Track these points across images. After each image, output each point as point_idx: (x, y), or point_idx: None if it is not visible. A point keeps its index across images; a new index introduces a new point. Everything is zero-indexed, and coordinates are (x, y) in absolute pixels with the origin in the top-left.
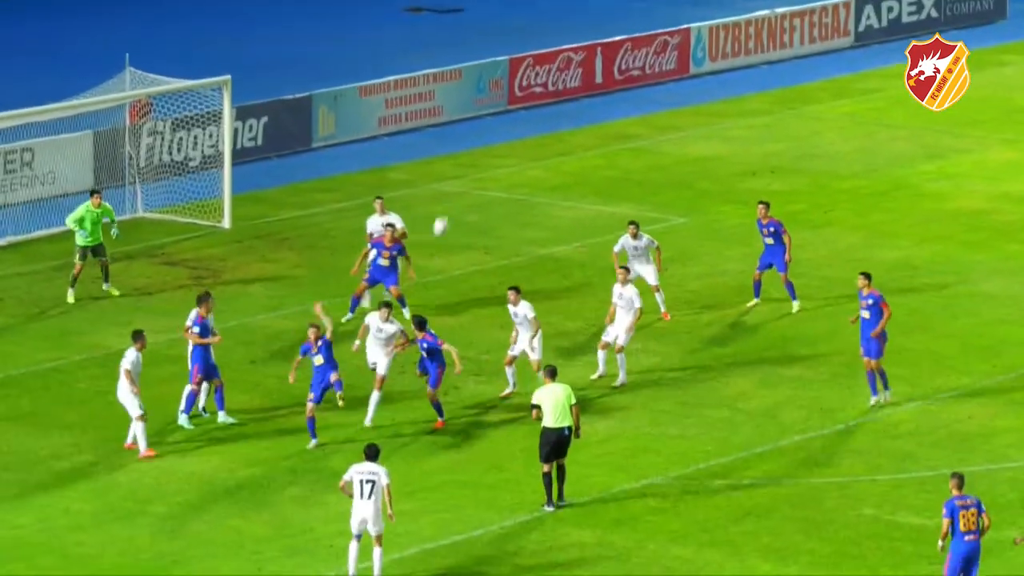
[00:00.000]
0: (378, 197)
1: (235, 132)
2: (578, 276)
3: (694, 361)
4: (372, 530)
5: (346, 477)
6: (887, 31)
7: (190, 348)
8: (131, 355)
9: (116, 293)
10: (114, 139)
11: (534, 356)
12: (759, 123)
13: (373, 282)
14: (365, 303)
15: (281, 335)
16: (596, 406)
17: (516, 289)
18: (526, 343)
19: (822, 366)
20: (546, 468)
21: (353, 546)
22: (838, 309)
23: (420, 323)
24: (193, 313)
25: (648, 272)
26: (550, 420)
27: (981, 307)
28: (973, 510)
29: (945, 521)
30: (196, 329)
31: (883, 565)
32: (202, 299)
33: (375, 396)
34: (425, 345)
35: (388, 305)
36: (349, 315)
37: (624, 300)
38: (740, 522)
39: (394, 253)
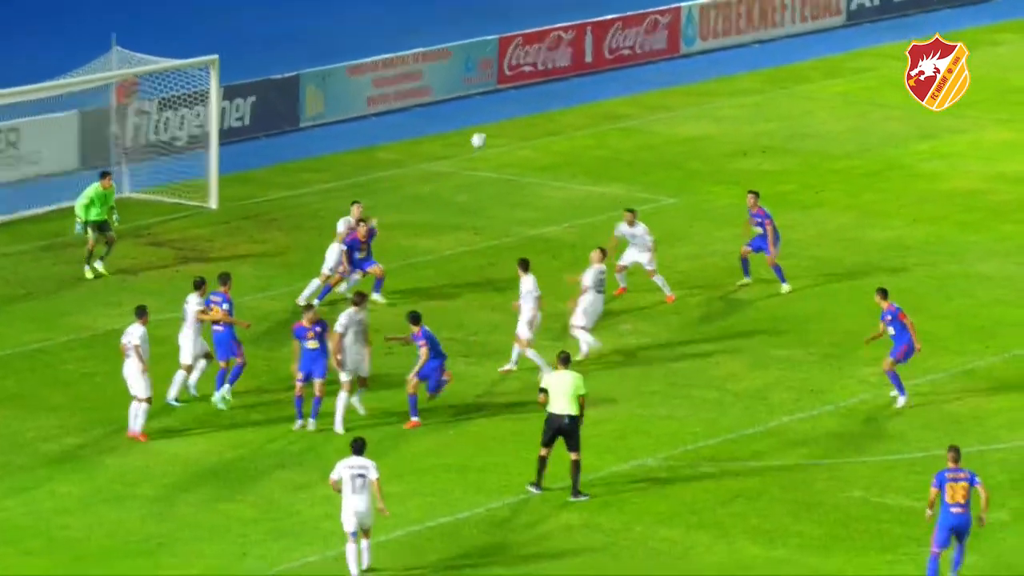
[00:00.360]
0: (356, 201)
1: (222, 112)
2: (568, 256)
3: (683, 342)
4: (366, 523)
5: (334, 475)
6: (879, 9)
7: (188, 329)
8: (138, 330)
9: (104, 272)
10: (100, 119)
11: (525, 333)
12: (750, 103)
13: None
14: (341, 288)
15: (269, 316)
16: (585, 384)
17: (524, 263)
18: (526, 316)
19: (812, 347)
20: (543, 452)
21: (351, 548)
22: (828, 289)
23: (415, 318)
24: (218, 296)
25: (644, 259)
26: (554, 406)
27: (975, 288)
28: (964, 483)
29: (933, 491)
30: (226, 307)
31: (872, 547)
32: (224, 278)
33: (356, 399)
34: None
35: (363, 295)
36: (317, 301)
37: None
38: (728, 504)
39: (369, 243)
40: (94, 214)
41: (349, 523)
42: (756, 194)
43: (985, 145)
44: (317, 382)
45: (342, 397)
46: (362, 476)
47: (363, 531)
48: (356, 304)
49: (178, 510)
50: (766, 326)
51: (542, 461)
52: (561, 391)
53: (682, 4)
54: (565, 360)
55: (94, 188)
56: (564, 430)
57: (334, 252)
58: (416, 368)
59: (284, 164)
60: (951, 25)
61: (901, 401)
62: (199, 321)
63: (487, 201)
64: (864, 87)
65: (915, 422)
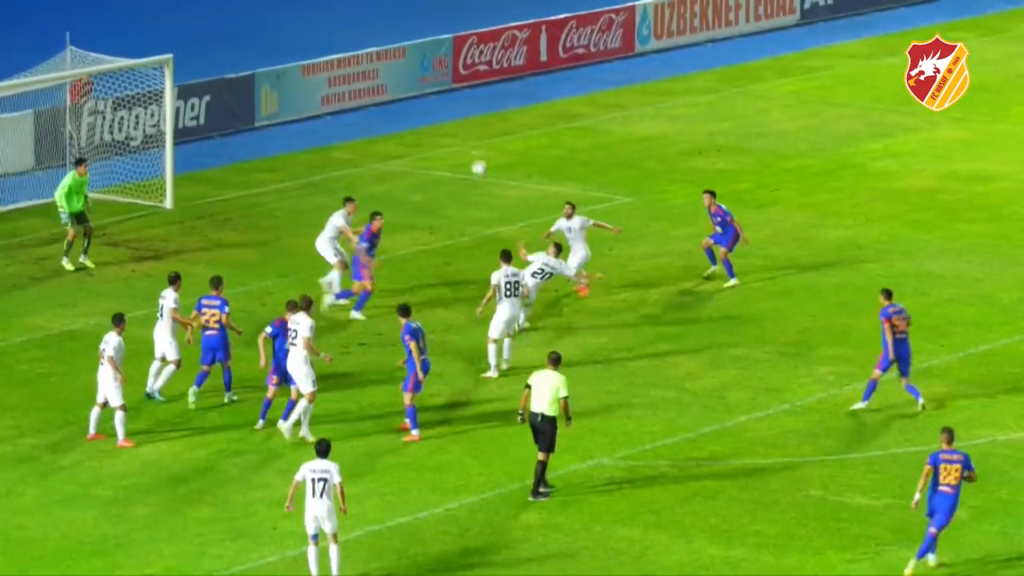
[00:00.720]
0: (350, 198)
1: (177, 111)
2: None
3: (641, 341)
4: (327, 527)
5: (298, 477)
6: (833, 8)
7: (164, 325)
8: (112, 340)
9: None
10: (55, 119)
11: (515, 328)
12: (704, 101)
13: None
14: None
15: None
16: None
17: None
18: (514, 313)
19: (768, 346)
20: (541, 456)
21: (311, 551)
22: (783, 288)
23: (404, 311)
24: (214, 299)
25: (575, 258)
26: (534, 405)
27: (928, 287)
28: (957, 465)
29: (927, 469)
30: (227, 310)
31: (830, 546)
32: (217, 282)
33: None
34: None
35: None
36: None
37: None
38: (687, 503)
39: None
40: (76, 204)
41: (309, 526)
42: (712, 193)
43: (938, 144)
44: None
45: (303, 404)
46: (324, 480)
47: (330, 536)
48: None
49: (135, 511)
50: (723, 325)
51: (541, 467)
52: (542, 391)
53: (636, 3)
54: (554, 361)
55: (71, 176)
56: (536, 428)
57: (326, 244)
58: (416, 370)
59: (239, 164)
60: (906, 24)
61: (860, 405)
62: (174, 320)
63: (442, 201)
64: (818, 86)
65: (873, 421)
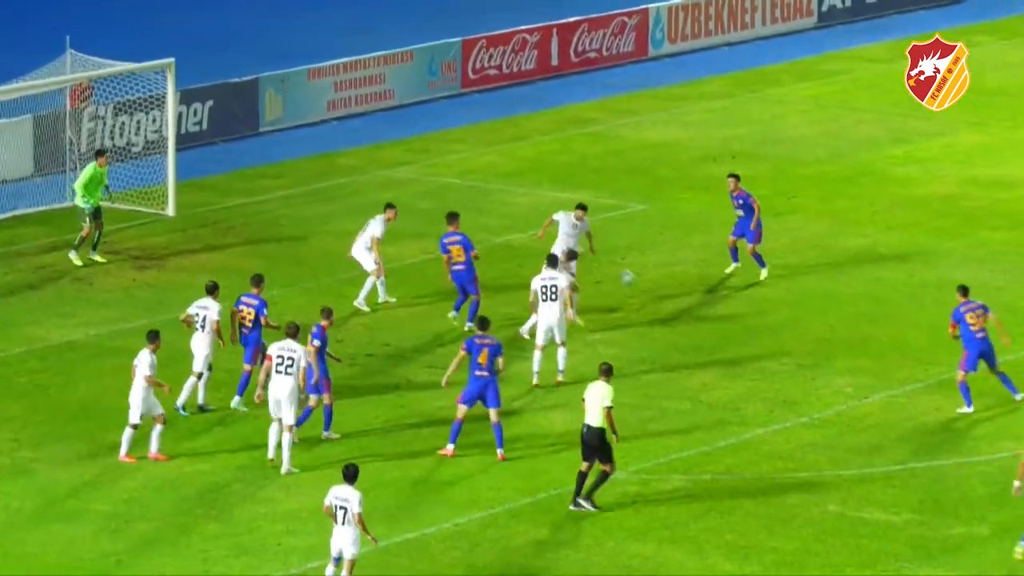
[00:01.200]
0: (391, 205)
1: (179, 116)
2: (534, 265)
3: (655, 352)
4: (346, 554)
5: (326, 501)
6: (851, 11)
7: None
8: (146, 358)
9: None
10: (54, 124)
11: (560, 336)
12: (719, 107)
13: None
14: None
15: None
16: (553, 397)
17: (552, 259)
18: (555, 319)
19: (785, 357)
20: (583, 466)
21: (329, 569)
22: (801, 298)
23: (483, 323)
24: (253, 298)
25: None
26: (586, 416)
27: (950, 296)
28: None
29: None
30: (266, 311)
31: (849, 563)
32: (258, 280)
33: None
34: None
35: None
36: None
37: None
38: (701, 518)
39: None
40: (96, 197)
41: (332, 548)
42: (737, 177)
43: (959, 149)
44: (323, 396)
45: (287, 438)
46: (344, 508)
47: (347, 561)
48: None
49: (136, 526)
50: (739, 336)
51: (580, 476)
52: (591, 402)
53: (650, 6)
54: (605, 372)
55: (92, 168)
56: (583, 439)
57: (363, 251)
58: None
59: (243, 170)
60: (924, 27)
61: (965, 410)
62: (215, 332)
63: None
64: (836, 90)
65: (891, 435)
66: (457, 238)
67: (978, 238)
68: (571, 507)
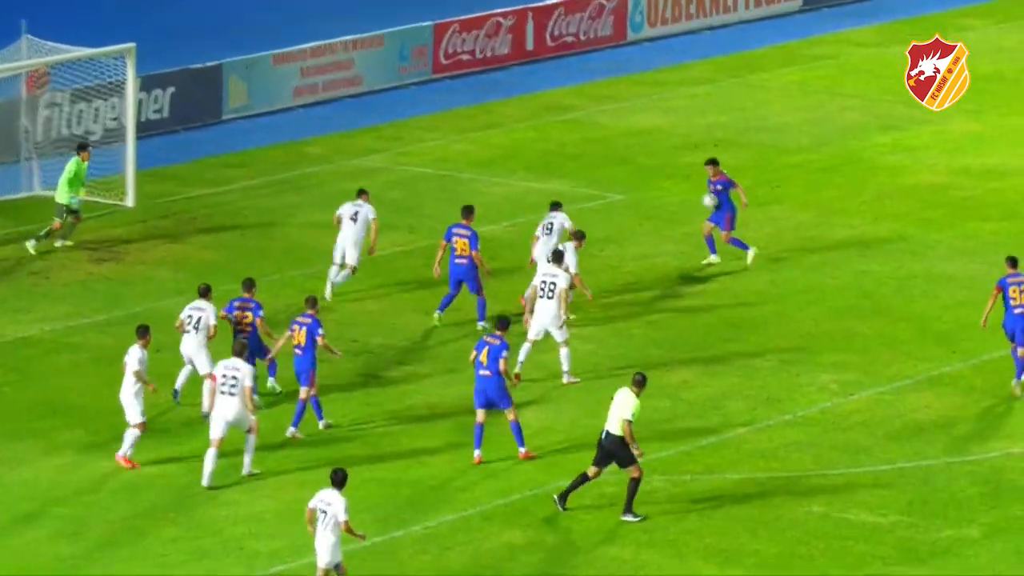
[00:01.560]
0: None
1: (139, 104)
2: (508, 257)
3: (633, 348)
4: (320, 561)
5: (310, 504)
6: None
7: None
8: (136, 353)
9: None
10: (9, 111)
11: (559, 335)
12: (701, 92)
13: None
14: None
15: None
16: (527, 395)
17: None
18: (549, 318)
19: (769, 353)
20: (591, 470)
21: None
22: (786, 291)
23: (503, 323)
24: (250, 302)
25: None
26: (607, 422)
27: (939, 289)
28: None
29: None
30: (262, 313)
31: (834, 566)
32: (249, 284)
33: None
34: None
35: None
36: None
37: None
38: (682, 521)
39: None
40: (77, 192)
41: (317, 558)
42: (715, 162)
43: (950, 137)
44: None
45: (251, 439)
46: (324, 512)
47: (320, 569)
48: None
49: (94, 529)
50: (720, 330)
51: (581, 478)
52: (613, 408)
53: None
54: (637, 383)
55: (75, 163)
56: (601, 444)
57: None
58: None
59: (205, 159)
60: (915, 10)
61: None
62: (209, 337)
63: (422, 198)
64: (822, 76)
65: (879, 433)
66: (467, 232)
67: (968, 229)
68: (558, 506)
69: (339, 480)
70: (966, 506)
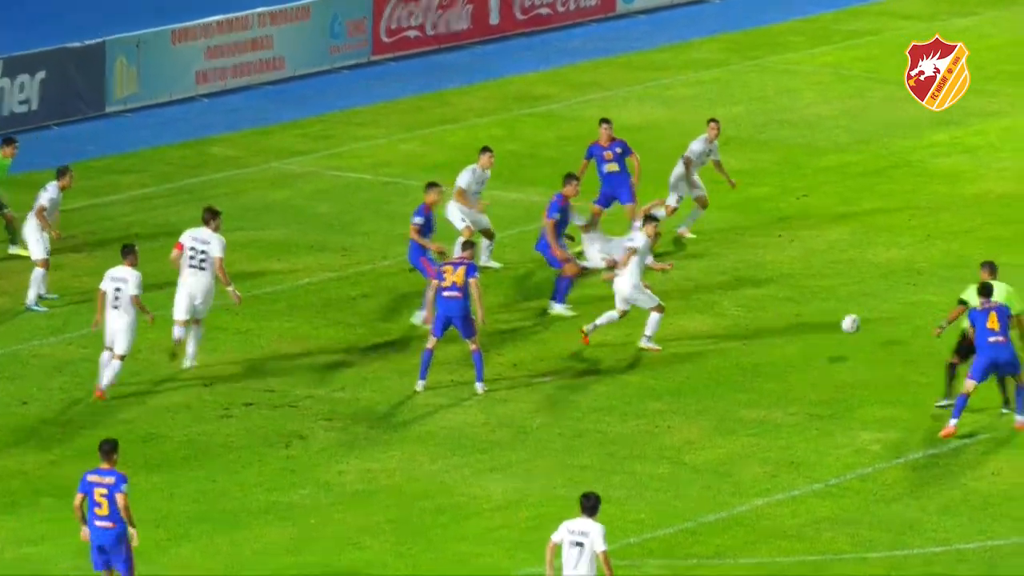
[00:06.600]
0: (487, 148)
1: (0, 93)
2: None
3: (625, 398)
4: None
5: (555, 537)
6: None
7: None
8: (133, 276)
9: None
10: None
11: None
12: (710, 78)
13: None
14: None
15: (64, 367)
16: (490, 458)
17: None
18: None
19: (793, 406)
20: None
21: None
22: (813, 327)
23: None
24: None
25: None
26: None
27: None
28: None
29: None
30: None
31: None
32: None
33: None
34: None
35: None
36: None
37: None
38: None
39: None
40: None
41: None
42: (610, 123)
43: (1023, 133)
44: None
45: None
46: (580, 545)
47: None
48: None
49: None
50: (732, 378)
51: None
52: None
53: None
54: (590, 508)
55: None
56: None
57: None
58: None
59: (86, 162)
60: None
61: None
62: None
63: (359, 211)
64: (862, 56)
65: (931, 506)
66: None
67: None
68: None
69: (591, 506)
70: None
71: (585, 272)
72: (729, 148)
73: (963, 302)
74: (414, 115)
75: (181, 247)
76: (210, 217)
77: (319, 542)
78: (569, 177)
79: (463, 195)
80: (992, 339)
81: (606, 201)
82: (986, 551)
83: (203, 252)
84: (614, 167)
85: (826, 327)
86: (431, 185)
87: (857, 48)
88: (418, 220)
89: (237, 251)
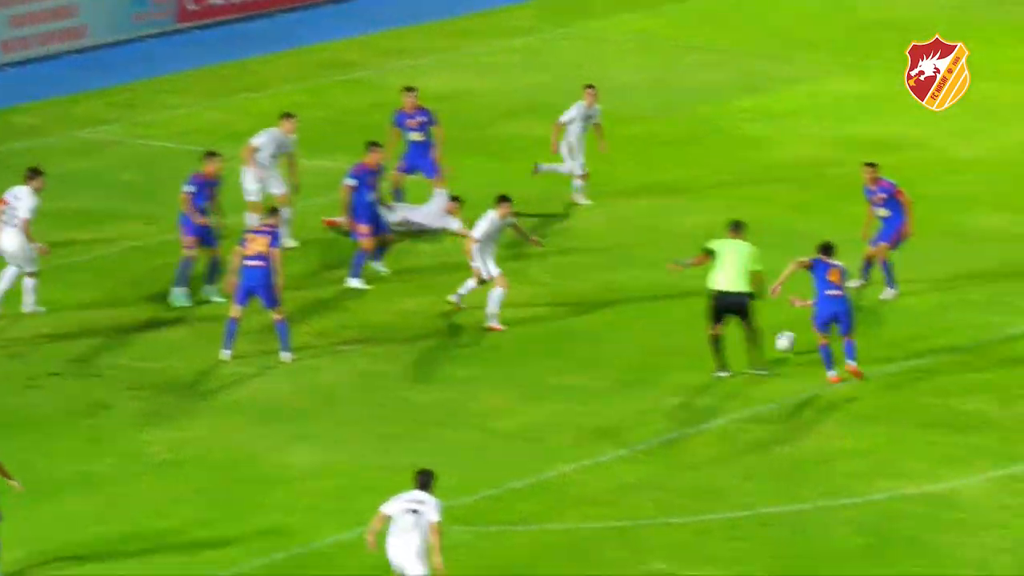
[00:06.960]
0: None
1: None
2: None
3: (429, 366)
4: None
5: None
6: None
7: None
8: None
9: None
10: None
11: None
12: (521, 46)
13: None
14: None
15: None
16: (297, 427)
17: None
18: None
19: (601, 372)
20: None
21: None
22: (623, 295)
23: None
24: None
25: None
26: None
27: (811, 291)
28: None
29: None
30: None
31: None
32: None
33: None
34: None
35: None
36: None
37: None
38: None
39: None
40: None
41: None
42: (414, 90)
43: (828, 100)
44: None
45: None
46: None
47: None
48: None
49: None
50: (541, 345)
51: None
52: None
53: None
54: (423, 482)
55: None
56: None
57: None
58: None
59: None
60: None
61: (889, 293)
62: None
63: (164, 181)
64: (670, 22)
65: (736, 470)
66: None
67: (849, 214)
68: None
69: (424, 481)
70: (846, 560)
71: (385, 243)
72: (537, 117)
73: (708, 251)
74: (219, 83)
75: (4, 202)
76: (30, 176)
77: (125, 512)
78: (372, 145)
79: (252, 156)
80: (831, 292)
81: (410, 169)
82: (787, 515)
83: (15, 208)
84: (418, 136)
85: (635, 294)
86: (210, 155)
87: (665, 15)
88: (190, 188)
89: (41, 221)
